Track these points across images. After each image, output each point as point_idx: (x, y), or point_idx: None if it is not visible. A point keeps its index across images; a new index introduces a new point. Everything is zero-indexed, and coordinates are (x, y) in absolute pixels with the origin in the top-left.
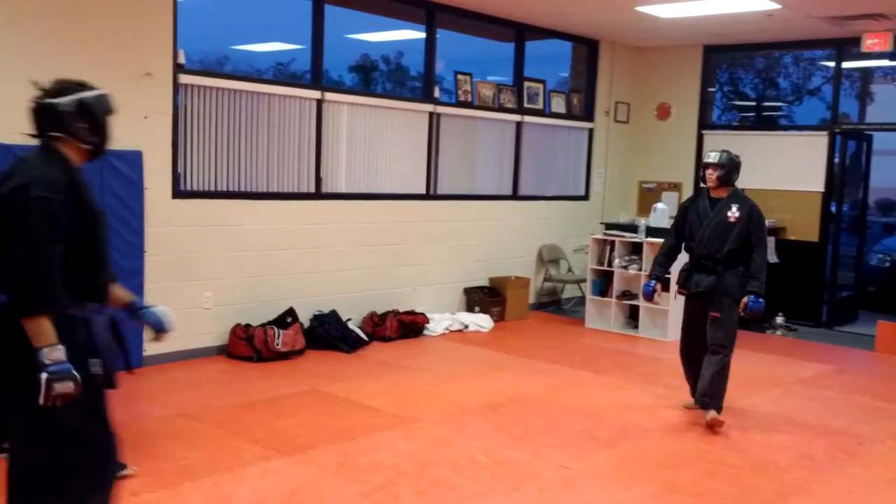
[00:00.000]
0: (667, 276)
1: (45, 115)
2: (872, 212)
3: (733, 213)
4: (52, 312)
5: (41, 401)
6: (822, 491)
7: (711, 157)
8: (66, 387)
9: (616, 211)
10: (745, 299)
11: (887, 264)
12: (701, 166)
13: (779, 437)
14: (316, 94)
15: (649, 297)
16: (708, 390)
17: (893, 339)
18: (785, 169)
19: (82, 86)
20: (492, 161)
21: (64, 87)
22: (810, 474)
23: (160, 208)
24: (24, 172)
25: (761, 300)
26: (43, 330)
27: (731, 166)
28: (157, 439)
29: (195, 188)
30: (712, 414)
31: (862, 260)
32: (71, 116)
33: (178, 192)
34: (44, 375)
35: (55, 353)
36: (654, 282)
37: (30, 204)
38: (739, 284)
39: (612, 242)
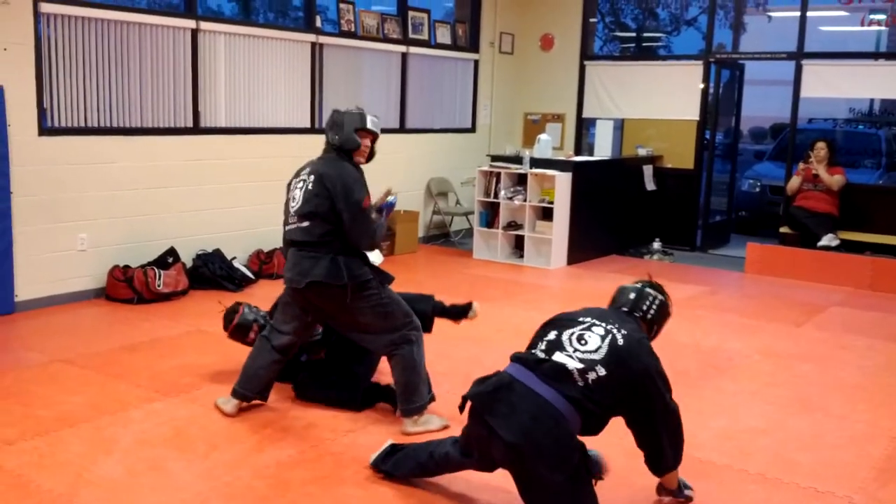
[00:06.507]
0: None
1: None
2: (745, 140)
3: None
4: None
5: None
6: (694, 404)
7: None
8: None
9: (502, 143)
10: None
11: (757, 189)
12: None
13: None
14: (190, 24)
15: None
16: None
17: (761, 261)
18: (663, 99)
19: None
20: (377, 93)
21: None
22: (682, 389)
23: (26, 146)
24: None
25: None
26: None
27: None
28: (33, 386)
29: (64, 124)
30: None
31: (734, 186)
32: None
33: (46, 129)
34: None
35: None
36: None
37: None
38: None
39: (499, 174)
